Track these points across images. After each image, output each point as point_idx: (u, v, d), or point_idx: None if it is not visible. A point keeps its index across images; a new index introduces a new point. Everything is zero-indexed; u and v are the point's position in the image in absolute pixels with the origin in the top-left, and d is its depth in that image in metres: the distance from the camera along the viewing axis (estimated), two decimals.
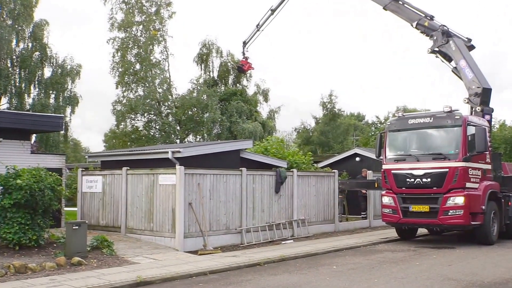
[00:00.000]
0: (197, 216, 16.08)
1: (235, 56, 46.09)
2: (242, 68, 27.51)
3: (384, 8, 21.36)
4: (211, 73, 47.65)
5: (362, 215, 23.92)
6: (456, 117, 16.97)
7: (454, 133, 16.93)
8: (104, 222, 18.39)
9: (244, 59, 27.08)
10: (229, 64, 46.70)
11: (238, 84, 47.81)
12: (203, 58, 47.15)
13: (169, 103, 44.26)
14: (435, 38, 19.88)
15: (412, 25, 20.62)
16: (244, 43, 26.60)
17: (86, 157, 24.58)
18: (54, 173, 15.04)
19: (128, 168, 17.80)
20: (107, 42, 42.91)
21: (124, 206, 17.62)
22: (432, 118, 17.49)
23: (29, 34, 38.61)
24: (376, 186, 20.62)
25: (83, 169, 21.17)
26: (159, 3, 43.70)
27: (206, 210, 16.49)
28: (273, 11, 25.31)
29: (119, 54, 42.69)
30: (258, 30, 26.02)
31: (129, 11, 42.78)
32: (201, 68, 47.36)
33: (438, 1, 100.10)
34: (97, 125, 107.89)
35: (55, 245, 14.56)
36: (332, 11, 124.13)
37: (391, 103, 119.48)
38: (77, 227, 13.65)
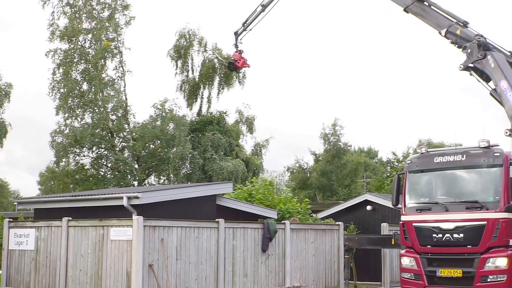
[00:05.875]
0: (159, 283, 15.86)
1: (223, 51, 46.45)
2: (234, 65, 26.46)
3: (405, 10, 21.36)
4: (190, 72, 47.81)
5: None
6: (495, 154, 16.99)
7: (493, 175, 16.94)
8: None
9: (237, 53, 26.38)
10: (215, 60, 46.76)
11: (227, 88, 47.83)
12: (180, 53, 47.33)
13: (125, 133, 44.18)
14: (469, 51, 19.78)
15: (440, 33, 20.59)
16: (236, 34, 26.10)
17: (15, 203, 24.34)
18: None
19: (70, 218, 17.59)
20: (45, 55, 42.97)
21: (63, 268, 17.34)
22: (464, 156, 17.51)
23: None
24: (393, 243, 20.50)
25: (11, 219, 20.87)
26: (113, 5, 43.91)
27: (171, 274, 16.29)
28: (264, 7, 25.06)
29: (61, 70, 42.68)
30: (244, 30, 25.77)
31: (74, 16, 42.95)
32: (177, 67, 47.70)
33: (475, 4, 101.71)
34: (30, 162, 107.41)
35: None
36: (339, 22, 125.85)
37: (411, 136, 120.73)
38: None
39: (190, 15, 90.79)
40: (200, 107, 49.02)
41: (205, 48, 47.61)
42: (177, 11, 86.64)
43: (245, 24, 25.51)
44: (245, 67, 27.21)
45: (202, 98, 48.94)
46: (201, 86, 48.29)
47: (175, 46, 47.35)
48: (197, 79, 48.02)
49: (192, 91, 48.08)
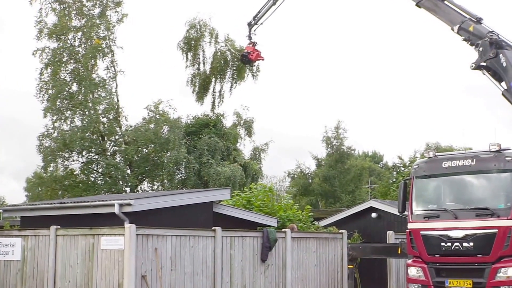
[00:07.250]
0: None
1: (236, 43, 46.69)
2: (248, 57, 26.17)
3: (417, 5, 21.33)
4: (201, 65, 48.02)
5: None
6: (506, 158, 16.99)
7: (504, 180, 16.94)
8: None
9: (251, 45, 26.19)
10: (227, 52, 46.92)
11: (239, 82, 47.97)
12: (191, 44, 47.53)
13: (117, 137, 44.10)
14: (481, 49, 19.68)
15: (453, 30, 20.50)
16: (250, 25, 26.00)
17: (0, 211, 24.30)
18: None
19: (59, 227, 17.53)
20: (33, 54, 42.81)
21: (51, 279, 17.29)
22: (474, 160, 17.50)
23: None
24: (399, 252, 20.49)
25: None
26: (104, 2, 43.80)
27: (165, 285, 16.26)
28: (274, 0, 24.98)
29: (49, 70, 42.53)
30: (256, 23, 25.74)
31: (64, 13, 42.86)
32: (187, 59, 47.96)
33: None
34: (16, 167, 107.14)
35: None
36: (341, 23, 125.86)
37: (418, 139, 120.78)
38: None
39: (195, 6, 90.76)
40: (213, 102, 49.13)
41: (216, 39, 47.73)
42: (173, 8, 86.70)
43: (256, 18, 25.52)
44: (259, 60, 26.92)
45: (214, 92, 49.08)
46: (213, 80, 48.39)
47: (185, 37, 47.43)
48: (208, 72, 48.13)
49: (203, 85, 48.19)
